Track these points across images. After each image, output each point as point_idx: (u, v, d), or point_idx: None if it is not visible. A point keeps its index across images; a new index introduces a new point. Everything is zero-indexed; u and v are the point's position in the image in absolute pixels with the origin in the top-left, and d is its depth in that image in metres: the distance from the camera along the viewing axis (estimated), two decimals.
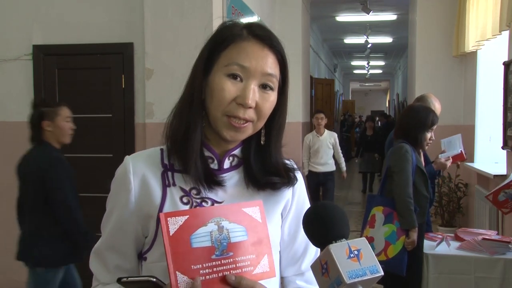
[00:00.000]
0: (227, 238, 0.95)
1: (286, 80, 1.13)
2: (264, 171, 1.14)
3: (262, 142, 1.14)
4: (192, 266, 0.92)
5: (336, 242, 0.88)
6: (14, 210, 4.61)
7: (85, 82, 4.47)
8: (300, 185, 1.22)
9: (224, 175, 1.13)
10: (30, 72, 4.49)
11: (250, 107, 1.06)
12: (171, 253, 0.91)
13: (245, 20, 1.15)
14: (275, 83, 1.09)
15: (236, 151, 1.15)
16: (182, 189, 1.10)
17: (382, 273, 0.87)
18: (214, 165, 1.13)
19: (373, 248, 3.19)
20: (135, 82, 4.36)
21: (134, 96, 4.36)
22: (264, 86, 1.08)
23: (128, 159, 1.14)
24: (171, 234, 0.91)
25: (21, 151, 4.57)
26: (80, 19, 4.42)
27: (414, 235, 3.14)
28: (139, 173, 1.11)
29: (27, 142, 4.55)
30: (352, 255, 0.87)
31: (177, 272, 0.91)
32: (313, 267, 0.91)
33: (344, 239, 0.89)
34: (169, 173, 1.11)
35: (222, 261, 0.95)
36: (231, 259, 0.95)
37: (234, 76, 1.06)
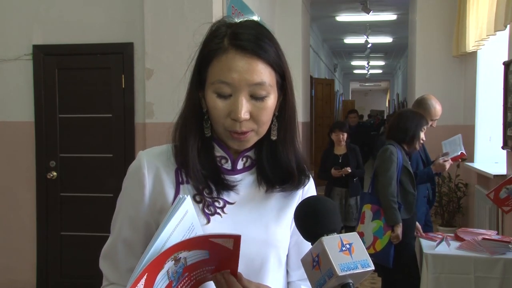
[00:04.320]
0: (184, 264, 0.92)
1: (285, 76, 1.10)
2: (277, 170, 1.14)
3: (272, 138, 1.13)
4: None
5: (327, 235, 0.88)
6: (14, 210, 4.62)
7: (85, 82, 4.47)
8: (311, 188, 1.22)
9: (236, 176, 1.13)
10: (30, 72, 4.48)
11: (245, 119, 1.05)
12: None
13: (239, 19, 1.12)
14: (267, 89, 1.06)
15: (250, 152, 1.15)
16: (196, 188, 1.11)
17: (373, 268, 0.88)
18: (227, 166, 1.13)
19: (364, 242, 3.37)
20: (135, 82, 4.36)
21: (134, 96, 4.36)
22: (254, 97, 1.05)
23: (142, 154, 1.14)
24: None
25: (21, 151, 4.57)
26: (80, 19, 4.42)
27: (398, 230, 3.40)
28: (153, 168, 1.11)
29: (27, 142, 4.56)
30: (344, 248, 0.87)
31: None
32: (304, 260, 0.91)
33: (335, 233, 0.89)
34: (183, 171, 1.11)
35: (179, 286, 0.93)
36: (186, 279, 0.94)
37: (223, 94, 1.05)
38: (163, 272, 0.90)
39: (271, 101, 1.08)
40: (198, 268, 0.95)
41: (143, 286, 0.86)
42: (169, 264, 0.90)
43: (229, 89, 1.04)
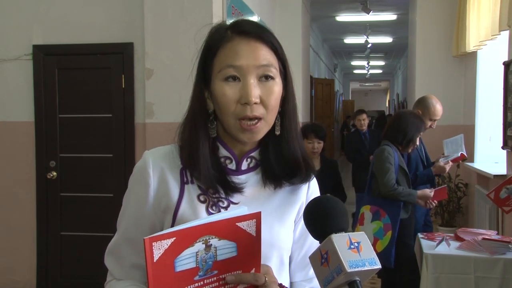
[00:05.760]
0: (214, 257, 0.93)
1: (285, 65, 1.13)
2: (284, 166, 1.14)
3: (276, 133, 1.13)
4: None
5: (336, 233, 0.90)
6: (14, 210, 4.62)
7: (85, 82, 4.47)
8: (314, 187, 1.23)
9: (241, 176, 1.14)
10: (30, 72, 4.49)
11: (256, 103, 1.05)
12: (153, 282, 0.88)
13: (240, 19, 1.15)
14: (273, 72, 1.08)
15: (254, 153, 1.16)
16: (200, 187, 1.11)
17: (380, 266, 0.90)
18: (232, 166, 1.14)
19: None
20: (135, 82, 4.36)
21: (134, 96, 4.36)
22: (264, 77, 1.07)
23: (147, 154, 1.15)
24: (155, 260, 0.88)
25: (21, 151, 4.58)
26: (80, 19, 4.42)
27: (422, 193, 3.53)
28: (158, 167, 1.12)
29: (27, 142, 4.55)
30: (352, 246, 0.89)
31: None
32: (312, 257, 0.93)
33: (343, 232, 0.91)
34: (188, 171, 1.12)
35: (205, 280, 0.94)
36: (215, 278, 0.94)
37: (231, 78, 1.06)
38: (192, 250, 0.91)
39: (278, 86, 1.09)
40: (227, 270, 0.95)
41: (168, 246, 0.88)
42: (199, 246, 0.91)
43: (237, 73, 1.06)
